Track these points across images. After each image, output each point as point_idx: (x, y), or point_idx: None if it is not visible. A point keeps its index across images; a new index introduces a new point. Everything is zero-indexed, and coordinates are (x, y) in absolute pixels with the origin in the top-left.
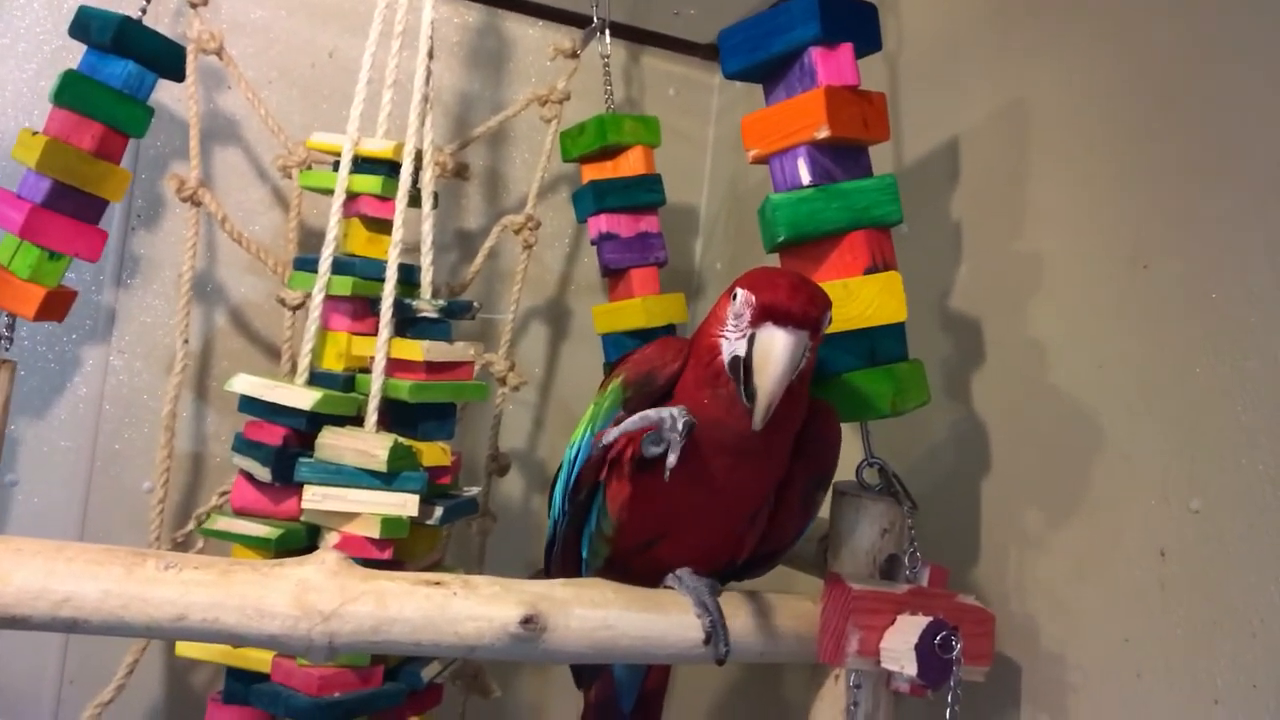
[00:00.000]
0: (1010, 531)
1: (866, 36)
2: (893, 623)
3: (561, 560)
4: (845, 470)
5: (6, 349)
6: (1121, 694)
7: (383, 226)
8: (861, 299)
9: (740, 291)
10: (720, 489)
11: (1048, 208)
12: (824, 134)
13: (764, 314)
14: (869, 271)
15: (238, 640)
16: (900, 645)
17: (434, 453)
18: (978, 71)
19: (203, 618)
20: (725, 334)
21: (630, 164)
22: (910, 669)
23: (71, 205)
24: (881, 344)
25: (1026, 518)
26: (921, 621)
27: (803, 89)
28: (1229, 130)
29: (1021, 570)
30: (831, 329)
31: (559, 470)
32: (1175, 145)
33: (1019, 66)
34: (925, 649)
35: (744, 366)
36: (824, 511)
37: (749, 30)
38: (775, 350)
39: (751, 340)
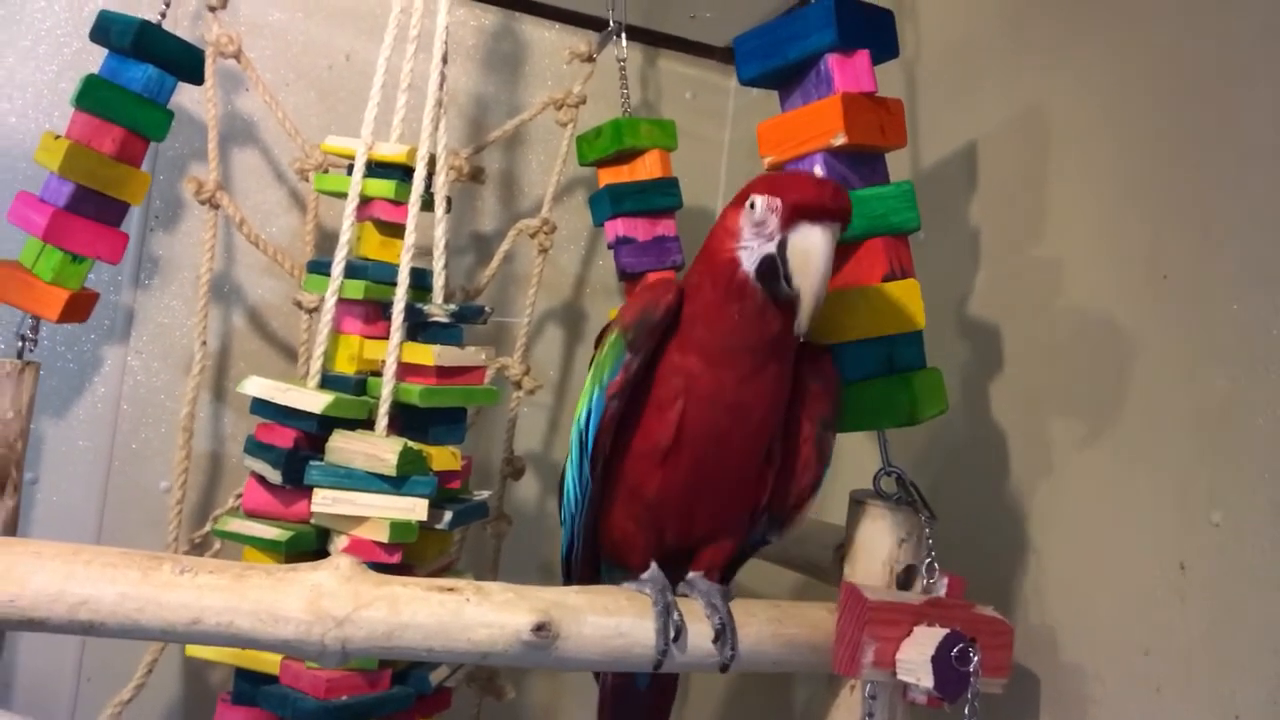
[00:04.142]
0: (1029, 541)
1: (883, 43)
2: (909, 634)
3: (581, 566)
4: (863, 479)
5: (30, 351)
6: (1140, 707)
7: (396, 231)
8: (879, 307)
9: (759, 198)
10: (744, 406)
11: (1066, 215)
12: (841, 141)
13: (796, 214)
14: (887, 279)
15: (252, 644)
16: (917, 657)
17: (444, 457)
18: (995, 78)
19: (217, 622)
20: (744, 244)
21: (647, 168)
22: (927, 681)
23: (93, 208)
24: (900, 352)
25: (1045, 528)
26: (939, 633)
27: (819, 95)
28: (1249, 138)
29: (1040, 581)
30: (849, 336)
31: (565, 465)
32: (1195, 153)
33: (1036, 73)
34: (942, 661)
35: (781, 270)
36: (841, 519)
37: (765, 36)
38: (816, 248)
39: (782, 244)
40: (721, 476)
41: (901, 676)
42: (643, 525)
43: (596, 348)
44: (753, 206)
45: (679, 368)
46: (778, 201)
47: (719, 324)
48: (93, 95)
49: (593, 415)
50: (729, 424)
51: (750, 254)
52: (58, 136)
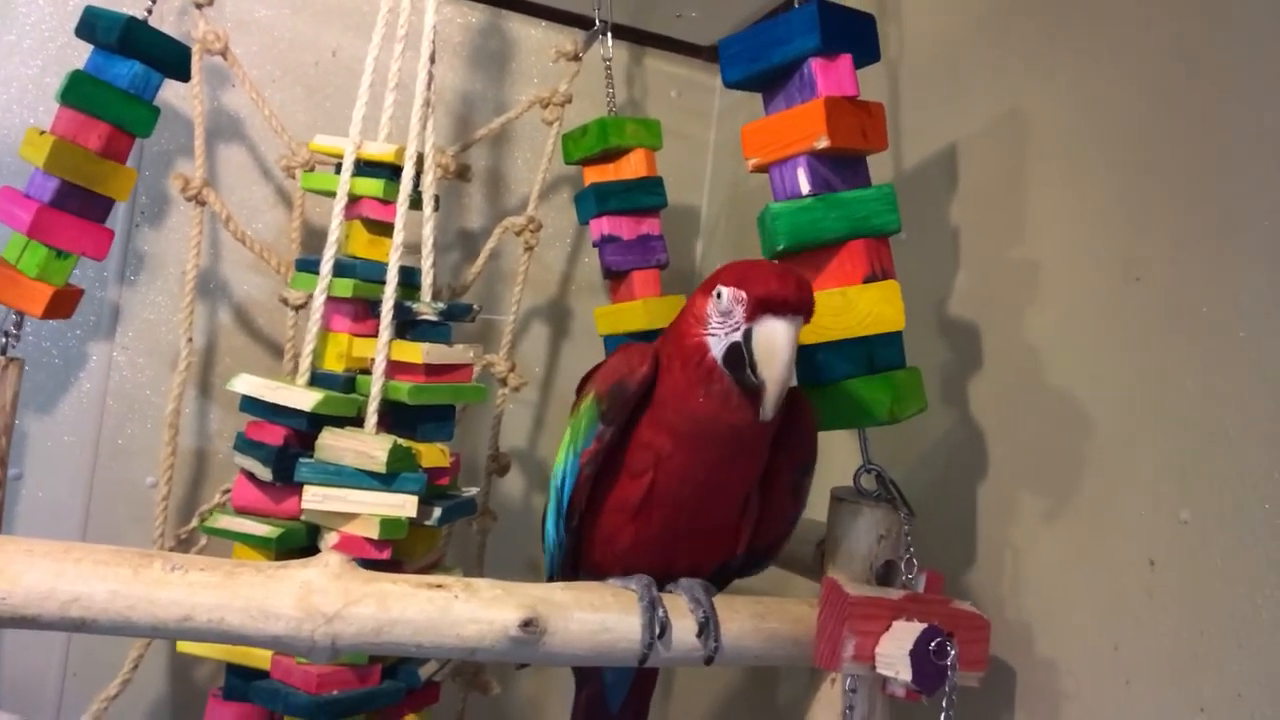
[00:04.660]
0: (1005, 538)
1: (865, 47)
2: (888, 628)
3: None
4: (843, 476)
5: (14, 346)
6: (1111, 700)
7: (384, 229)
8: (860, 307)
9: (725, 289)
10: (714, 482)
11: (1043, 218)
12: (823, 144)
13: (760, 307)
14: (868, 280)
15: (242, 641)
16: (895, 651)
17: (433, 454)
18: (975, 82)
19: (208, 619)
20: (712, 332)
21: (632, 166)
22: (905, 675)
23: (78, 204)
24: (880, 352)
25: (1021, 525)
26: (917, 628)
27: (802, 99)
28: (1223, 144)
29: (1016, 577)
30: (830, 336)
31: (548, 503)
32: (1169, 158)
33: (1016, 77)
34: (920, 655)
35: (746, 358)
36: (822, 516)
37: (749, 40)
38: (779, 341)
39: (748, 334)
40: (693, 533)
41: (881, 670)
42: (620, 566)
43: (576, 400)
44: (719, 297)
45: (650, 443)
46: (743, 294)
47: (687, 406)
48: (78, 91)
49: (567, 478)
50: (700, 499)
51: (717, 341)
52: (43, 132)
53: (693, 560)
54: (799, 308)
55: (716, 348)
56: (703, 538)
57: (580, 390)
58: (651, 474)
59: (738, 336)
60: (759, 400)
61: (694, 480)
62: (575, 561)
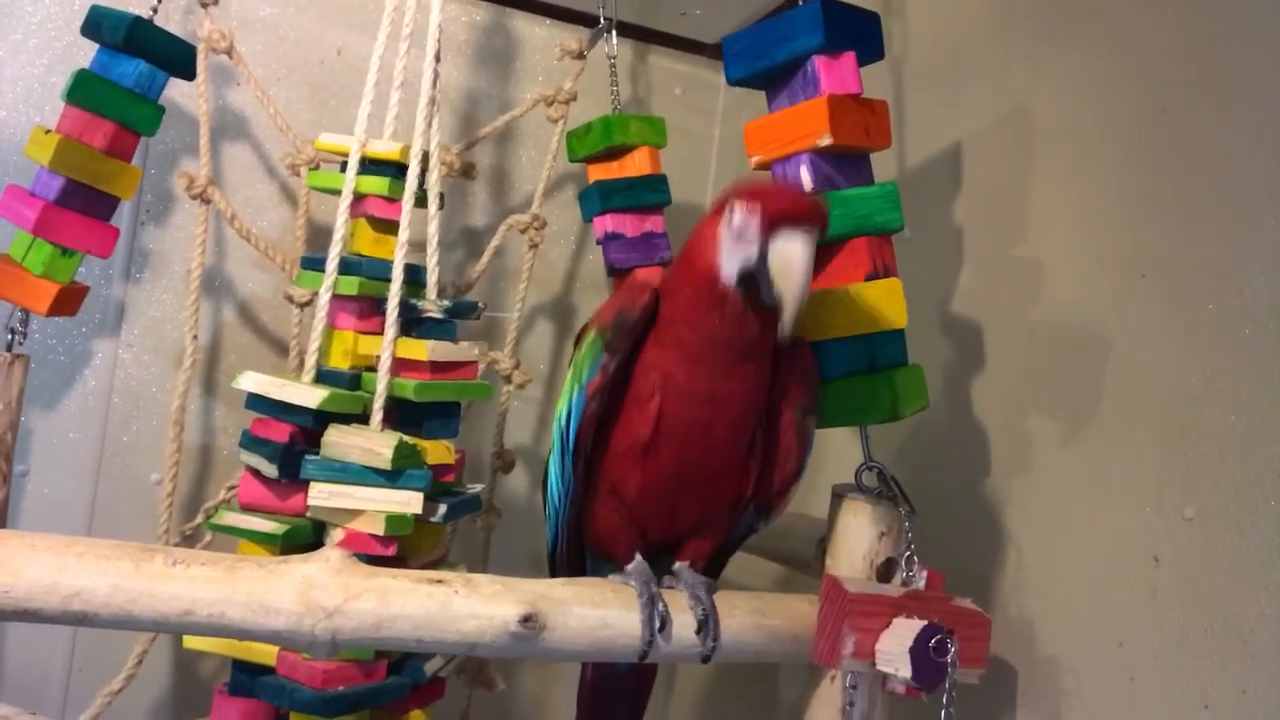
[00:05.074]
0: (1007, 536)
1: (869, 45)
2: (888, 625)
3: (567, 560)
4: (844, 473)
5: (20, 344)
6: (1114, 698)
7: (389, 227)
8: (862, 305)
9: (739, 207)
10: (722, 395)
11: (1047, 215)
12: (826, 142)
13: (776, 222)
14: (870, 278)
15: (243, 635)
16: (895, 648)
17: (438, 451)
18: (979, 80)
19: (209, 613)
20: (725, 252)
21: (636, 164)
22: (905, 672)
23: (83, 202)
24: (882, 349)
25: (1023, 522)
26: (917, 625)
27: (806, 97)
28: (1227, 141)
29: (1018, 574)
30: (832, 334)
31: (548, 460)
32: (1174, 155)
33: (1020, 75)
34: (920, 652)
35: (763, 275)
36: (823, 513)
37: (752, 38)
38: (797, 255)
39: (763, 251)
40: (703, 469)
41: (880, 667)
42: (626, 520)
43: (575, 346)
44: (732, 215)
45: (655, 364)
46: (757, 209)
47: (699, 327)
48: (84, 90)
49: (573, 415)
50: (707, 416)
51: (731, 261)
52: (48, 131)
53: (702, 506)
54: (815, 220)
55: (730, 268)
56: (711, 476)
57: (579, 337)
58: (659, 397)
59: (753, 255)
60: (776, 317)
61: (701, 399)
62: (580, 518)
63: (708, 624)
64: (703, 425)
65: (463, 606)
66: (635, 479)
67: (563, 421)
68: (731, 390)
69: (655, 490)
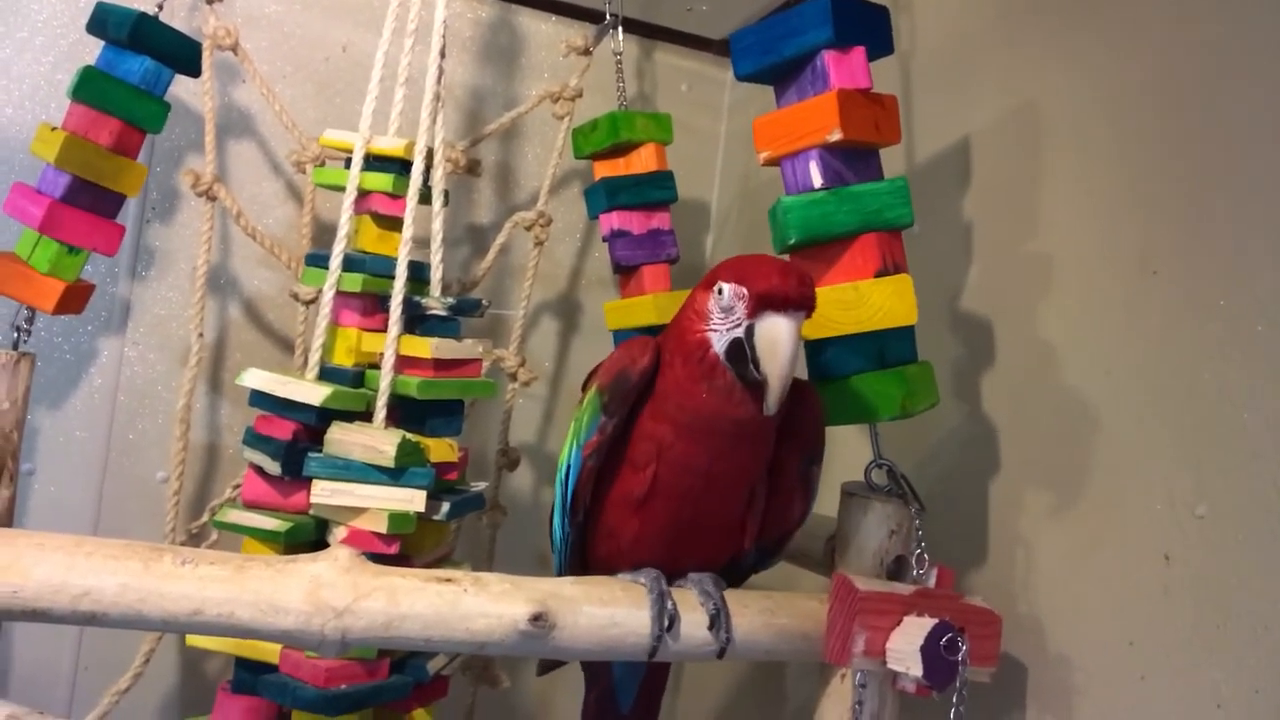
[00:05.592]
0: (1017, 533)
1: (879, 40)
2: (899, 624)
3: None
4: (854, 471)
5: (26, 342)
6: (1125, 696)
7: (393, 224)
8: (872, 302)
9: (726, 285)
10: (717, 473)
11: (1058, 211)
12: (836, 137)
13: (762, 304)
14: (880, 274)
15: (252, 635)
16: (906, 646)
17: (441, 449)
18: (989, 74)
19: (218, 613)
20: (713, 328)
21: (642, 161)
22: (916, 670)
23: (89, 200)
24: (891, 346)
25: (1033, 520)
26: (928, 623)
27: (815, 92)
28: (1238, 136)
29: (1028, 572)
30: (841, 331)
31: (555, 500)
32: (1185, 150)
33: (1030, 70)
34: (931, 650)
35: (748, 354)
36: (832, 511)
37: (761, 33)
38: (781, 338)
39: (750, 331)
40: (698, 527)
41: (891, 665)
42: (627, 561)
43: (582, 394)
44: (720, 293)
45: (652, 434)
46: (744, 290)
47: (689, 400)
48: (89, 87)
49: (572, 470)
50: (702, 489)
51: (719, 337)
52: (54, 128)
53: (699, 556)
54: (801, 303)
55: (718, 343)
56: (708, 532)
57: (584, 388)
58: (654, 466)
59: (740, 333)
60: (762, 395)
61: (696, 471)
62: (583, 559)
63: (719, 618)
64: (698, 493)
65: (472, 605)
66: (631, 529)
67: (563, 474)
68: (728, 468)
69: (652, 540)
